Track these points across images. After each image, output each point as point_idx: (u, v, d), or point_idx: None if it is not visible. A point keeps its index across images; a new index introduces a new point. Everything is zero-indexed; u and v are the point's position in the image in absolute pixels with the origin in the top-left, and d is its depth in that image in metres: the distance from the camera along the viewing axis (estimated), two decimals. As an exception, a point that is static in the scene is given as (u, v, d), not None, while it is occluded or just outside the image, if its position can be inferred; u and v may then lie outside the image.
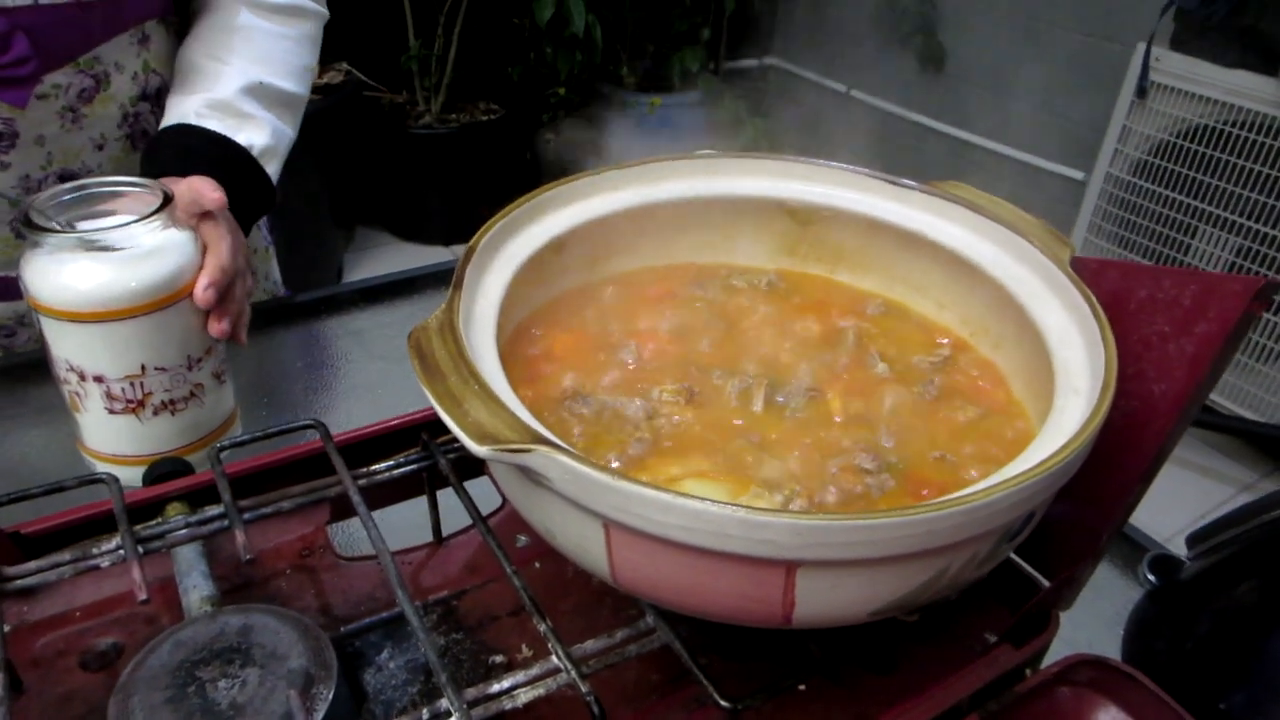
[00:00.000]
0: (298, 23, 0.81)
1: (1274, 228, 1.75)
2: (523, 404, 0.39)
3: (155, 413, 0.57)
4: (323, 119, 2.31)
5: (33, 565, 0.43)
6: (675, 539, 0.34)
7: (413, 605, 0.41)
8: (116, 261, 0.53)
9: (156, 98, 0.80)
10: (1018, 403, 0.49)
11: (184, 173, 0.63)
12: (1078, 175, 2.26)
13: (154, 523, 0.46)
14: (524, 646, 0.47)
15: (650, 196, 0.55)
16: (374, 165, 2.65)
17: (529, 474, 0.36)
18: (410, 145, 2.58)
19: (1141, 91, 1.90)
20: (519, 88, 2.73)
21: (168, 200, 0.56)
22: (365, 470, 0.50)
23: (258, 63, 0.77)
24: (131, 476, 0.55)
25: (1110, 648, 0.52)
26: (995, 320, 0.52)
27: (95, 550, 0.43)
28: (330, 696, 0.38)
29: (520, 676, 0.40)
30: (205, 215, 0.61)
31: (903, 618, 0.46)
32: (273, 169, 0.76)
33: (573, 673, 0.39)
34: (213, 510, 0.46)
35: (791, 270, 0.59)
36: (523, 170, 2.82)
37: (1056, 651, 0.46)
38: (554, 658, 0.40)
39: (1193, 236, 1.90)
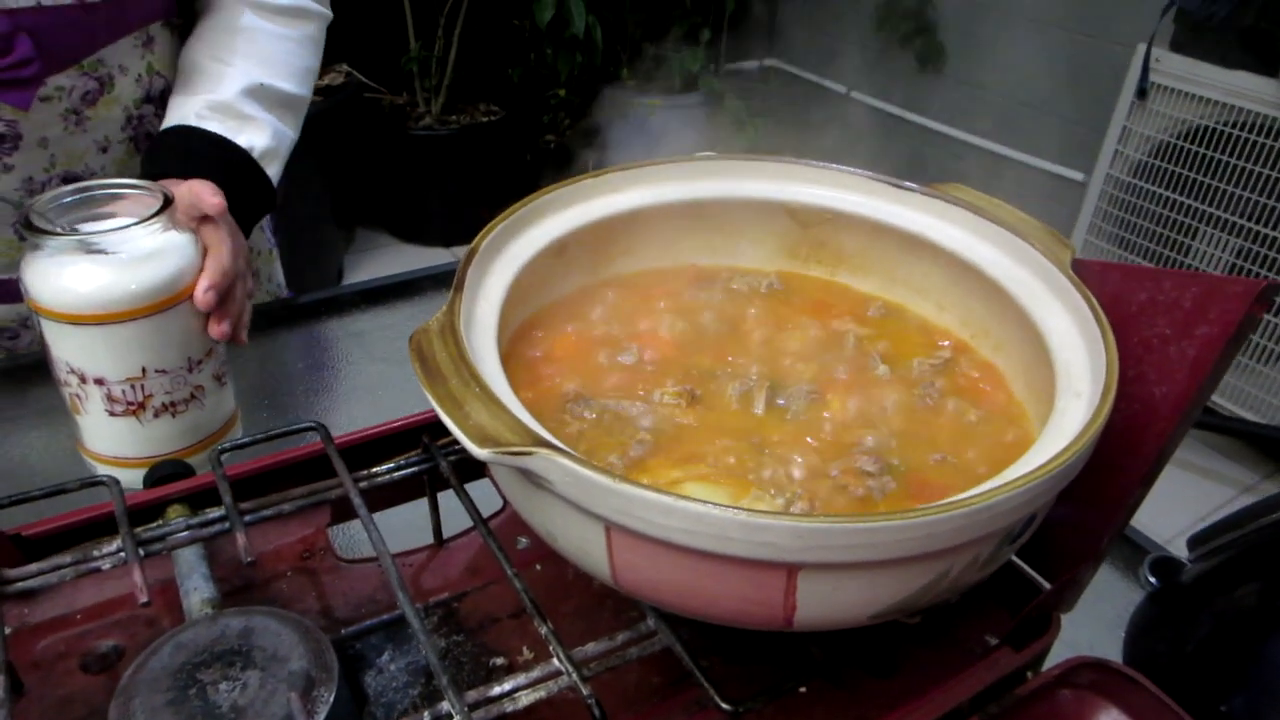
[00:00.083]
0: (300, 24, 0.81)
1: (1274, 229, 1.75)
2: (524, 406, 0.39)
3: (156, 415, 0.57)
4: (323, 121, 2.31)
5: (34, 567, 0.43)
6: (677, 542, 0.34)
7: (413, 607, 0.41)
8: (117, 264, 0.53)
9: (160, 100, 0.80)
10: (1019, 405, 0.49)
11: (185, 175, 0.63)
12: (1078, 176, 2.26)
13: (155, 525, 0.46)
14: (525, 649, 0.47)
15: (651, 199, 0.55)
16: (374, 167, 2.65)
17: (530, 476, 0.36)
18: (411, 147, 2.58)
19: (1142, 92, 1.90)
20: (519, 89, 2.73)
21: (168, 203, 0.56)
22: (366, 472, 0.50)
23: (260, 64, 0.77)
24: (132, 479, 0.56)
25: (1111, 650, 0.52)
26: (996, 322, 0.52)
27: (96, 552, 0.44)
28: (331, 699, 0.38)
29: (521, 679, 0.40)
30: (206, 218, 0.61)
31: (904, 620, 0.46)
32: (273, 171, 0.76)
33: (574, 675, 0.39)
34: (214, 512, 0.46)
35: (792, 272, 0.59)
36: (523, 172, 2.82)
37: (1057, 654, 0.46)
38: (555, 660, 0.40)
39: (1193, 238, 1.90)
